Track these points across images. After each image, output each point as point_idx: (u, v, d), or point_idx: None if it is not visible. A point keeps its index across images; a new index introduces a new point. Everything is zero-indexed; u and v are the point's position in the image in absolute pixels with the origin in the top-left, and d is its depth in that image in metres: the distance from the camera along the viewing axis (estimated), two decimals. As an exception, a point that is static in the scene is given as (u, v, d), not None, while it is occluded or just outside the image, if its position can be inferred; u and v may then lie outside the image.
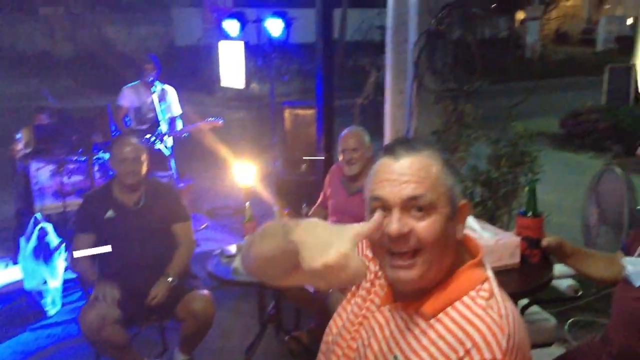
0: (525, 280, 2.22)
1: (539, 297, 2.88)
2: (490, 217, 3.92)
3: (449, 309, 1.11)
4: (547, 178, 4.08)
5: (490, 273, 1.17)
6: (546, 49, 23.81)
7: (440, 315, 1.11)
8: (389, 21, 4.43)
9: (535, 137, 4.10)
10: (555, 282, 2.62)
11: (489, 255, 1.25)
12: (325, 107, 4.59)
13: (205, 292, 2.91)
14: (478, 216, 3.94)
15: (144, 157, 2.94)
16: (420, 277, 1.12)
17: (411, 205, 1.11)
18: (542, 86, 14.66)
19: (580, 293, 2.98)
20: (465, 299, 1.11)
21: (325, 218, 3.25)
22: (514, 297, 2.22)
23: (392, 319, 1.20)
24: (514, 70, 16.74)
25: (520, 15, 23.32)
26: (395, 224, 1.10)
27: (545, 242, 2.11)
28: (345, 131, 3.38)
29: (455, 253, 1.16)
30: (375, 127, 4.97)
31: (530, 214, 2.19)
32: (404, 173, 1.13)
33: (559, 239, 2.10)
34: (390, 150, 1.17)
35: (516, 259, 2.22)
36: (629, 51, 11.08)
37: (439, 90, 4.26)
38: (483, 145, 4.25)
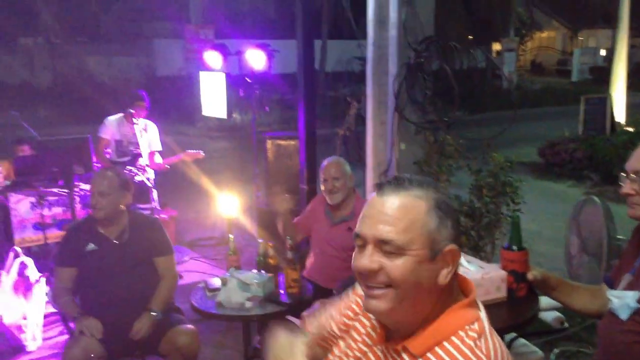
0: (512, 314, 2.23)
1: (525, 330, 2.89)
2: (473, 247, 3.96)
3: (437, 348, 1.12)
4: (528, 207, 4.14)
5: (482, 313, 1.17)
6: (523, 80, 24.36)
7: (429, 354, 1.12)
8: (369, 54, 4.51)
9: (515, 167, 4.17)
10: (541, 314, 2.64)
11: (476, 289, 1.26)
12: (307, 137, 4.63)
13: (190, 326, 2.87)
14: (461, 247, 3.99)
15: (117, 192, 2.88)
16: (389, 310, 1.13)
17: (383, 244, 1.13)
18: (519, 115, 14.97)
19: (565, 325, 3.00)
20: (454, 338, 1.12)
21: (294, 237, 3.27)
22: (502, 332, 2.24)
23: (383, 358, 1.22)
24: (492, 101, 17.09)
25: (496, 46, 23.88)
26: (365, 259, 1.14)
27: (530, 276, 2.13)
28: (326, 161, 3.42)
29: (442, 294, 1.15)
30: (357, 157, 5.01)
31: (515, 247, 2.21)
32: (382, 212, 1.14)
33: (544, 272, 2.13)
34: (379, 187, 1.18)
35: (503, 293, 2.23)
36: (604, 81, 11.39)
37: (419, 121, 4.32)
38: (465, 175, 4.31)
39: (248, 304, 2.74)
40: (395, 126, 4.35)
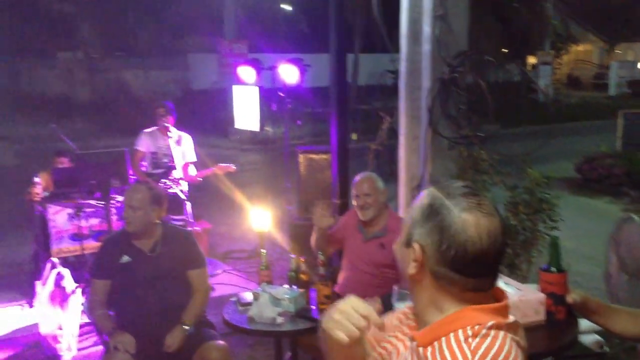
0: (551, 338, 2.17)
1: (564, 354, 2.81)
2: (509, 265, 3.88)
3: (435, 342, 1.19)
4: (565, 224, 4.04)
5: (501, 320, 1.18)
6: (559, 93, 23.96)
7: (429, 347, 1.19)
8: (402, 68, 4.49)
9: (552, 183, 4.09)
10: (580, 338, 2.56)
11: (513, 311, 1.24)
12: (339, 151, 4.62)
13: (222, 342, 2.88)
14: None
15: (148, 207, 2.91)
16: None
17: None
18: (555, 130, 14.72)
19: (605, 348, 2.91)
20: (451, 334, 1.17)
21: (326, 250, 3.24)
22: (540, 356, 2.18)
23: (408, 349, 1.29)
24: (528, 115, 16.85)
25: (532, 60, 23.57)
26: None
27: (570, 299, 2.08)
28: (358, 177, 3.40)
29: (429, 289, 1.21)
30: (389, 171, 4.98)
31: (554, 269, 2.15)
32: None
33: (583, 295, 2.07)
34: None
35: (541, 316, 2.17)
36: (643, 96, 11.12)
37: (453, 136, 4.28)
38: (499, 191, 4.24)
39: (279, 319, 2.73)
40: (428, 141, 4.31)
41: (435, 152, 4.34)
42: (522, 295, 2.16)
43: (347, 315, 1.20)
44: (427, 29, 4.27)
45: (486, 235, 1.15)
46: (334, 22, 4.42)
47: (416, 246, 1.20)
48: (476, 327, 1.15)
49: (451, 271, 1.17)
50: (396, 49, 4.60)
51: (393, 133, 4.90)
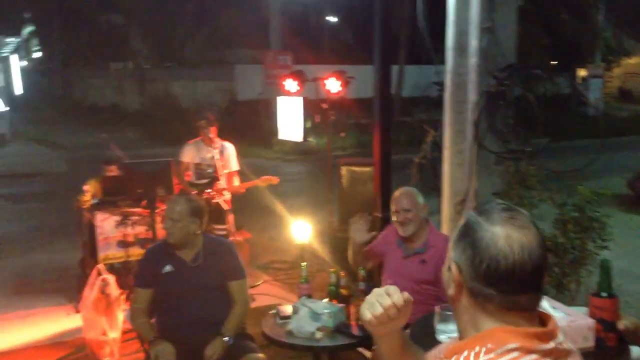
0: (601, 366, 2.08)
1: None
2: (556, 285, 3.76)
3: (457, 355, 1.16)
4: (616, 242, 3.90)
5: (535, 345, 1.12)
6: (609, 107, 23.25)
7: (452, 358, 1.17)
8: (448, 81, 4.43)
9: (603, 200, 3.94)
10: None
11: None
12: (382, 164, 4.59)
13: (261, 355, 2.87)
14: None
15: (187, 219, 2.93)
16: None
17: None
18: (606, 144, 14.26)
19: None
20: (472, 349, 1.14)
21: (365, 264, 3.20)
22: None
23: None
24: (577, 129, 16.39)
25: (581, 72, 22.95)
26: None
27: (621, 325, 1.99)
28: (397, 192, 3.34)
29: (468, 309, 1.19)
30: (432, 185, 4.91)
31: (604, 294, 2.06)
32: None
33: (636, 321, 1.97)
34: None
35: (590, 343, 2.08)
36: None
37: (499, 150, 4.19)
38: (547, 207, 4.12)
39: (318, 334, 2.70)
40: (473, 155, 4.22)
41: (480, 166, 4.25)
42: (570, 321, 2.07)
43: (377, 295, 1.27)
44: (473, 41, 4.20)
45: (518, 247, 1.11)
46: (379, 33, 4.41)
47: (453, 266, 1.19)
48: (489, 345, 1.12)
49: (485, 286, 1.14)
50: (442, 60, 4.54)
51: (437, 146, 4.82)
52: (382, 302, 1.26)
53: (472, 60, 4.23)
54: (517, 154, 4.17)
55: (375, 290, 1.30)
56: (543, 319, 1.20)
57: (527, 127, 4.30)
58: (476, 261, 1.13)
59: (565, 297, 3.75)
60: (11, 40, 18.07)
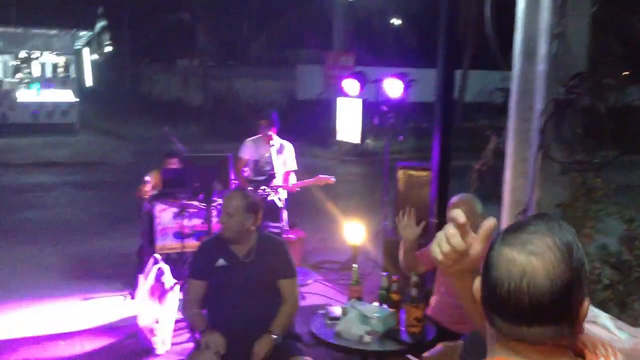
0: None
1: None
2: (619, 302, 3.58)
3: None
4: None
5: None
6: (686, 120, 22.04)
7: None
8: (514, 87, 4.30)
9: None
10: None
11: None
12: (440, 169, 4.50)
13: (309, 358, 2.86)
14: (605, 302, 3.61)
15: (243, 214, 2.95)
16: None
17: None
18: (680, 159, 13.53)
19: None
20: None
21: (417, 269, 3.11)
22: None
23: None
24: (649, 141, 15.61)
25: (656, 83, 21.89)
26: None
27: None
28: (455, 198, 3.26)
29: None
30: (493, 194, 4.78)
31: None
32: None
33: None
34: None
35: (656, 365, 1.96)
36: None
37: (566, 161, 4.03)
38: (613, 221, 3.93)
39: (367, 338, 2.67)
40: (537, 165, 4.08)
41: (544, 176, 4.10)
42: (635, 343, 1.96)
43: (444, 229, 1.26)
44: (543, 47, 4.06)
45: (518, 275, 1.00)
46: (444, 37, 4.32)
47: (476, 282, 1.13)
48: None
49: (490, 311, 1.06)
50: (508, 66, 4.41)
51: (499, 154, 4.69)
52: (447, 231, 1.25)
53: (541, 66, 4.08)
54: (584, 165, 4.00)
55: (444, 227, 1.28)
56: (581, 351, 1.08)
57: (595, 138, 4.12)
58: (483, 282, 1.07)
59: (628, 317, 3.56)
60: (84, 34, 18.81)
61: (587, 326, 2.16)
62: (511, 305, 1.01)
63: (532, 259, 1.00)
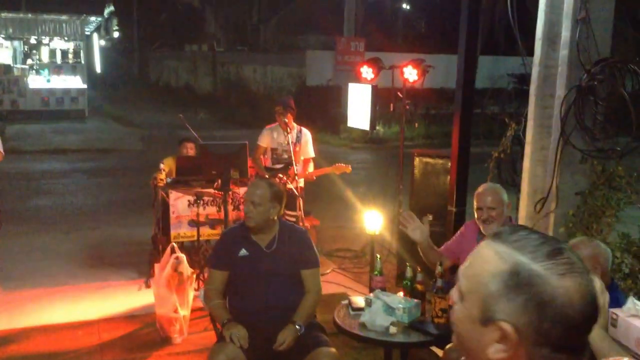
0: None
1: None
2: (642, 292, 3.53)
3: None
4: None
5: None
6: None
7: None
8: (534, 73, 4.22)
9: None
10: None
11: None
12: (460, 157, 4.44)
13: (333, 350, 2.82)
14: (625, 291, 3.56)
15: (268, 203, 2.92)
16: (457, 345, 1.08)
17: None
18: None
19: None
20: None
21: (434, 261, 3.07)
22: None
23: None
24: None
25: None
26: (454, 288, 1.07)
27: None
28: (481, 188, 3.20)
29: None
30: (511, 181, 4.72)
31: None
32: (470, 255, 1.07)
33: None
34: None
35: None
36: None
37: (586, 148, 3.96)
38: (636, 210, 3.87)
39: (392, 329, 2.64)
40: (558, 152, 4.01)
41: (564, 164, 4.04)
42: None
43: None
44: (565, 33, 3.98)
45: (590, 298, 0.94)
46: (466, 21, 4.23)
47: (507, 327, 0.95)
48: None
49: (553, 352, 0.94)
50: (528, 52, 4.33)
51: (518, 141, 4.62)
52: None
53: (563, 52, 4.01)
54: (606, 153, 3.93)
55: None
56: None
57: (617, 125, 4.05)
58: (546, 326, 0.93)
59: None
60: (94, 19, 18.71)
61: (631, 320, 2.11)
62: (586, 331, 0.97)
63: (587, 277, 0.97)
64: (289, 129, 5.16)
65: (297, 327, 2.81)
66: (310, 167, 5.45)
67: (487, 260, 0.98)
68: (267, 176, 4.81)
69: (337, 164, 5.43)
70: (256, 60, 21.49)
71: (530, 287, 0.93)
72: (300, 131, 5.36)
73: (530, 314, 0.93)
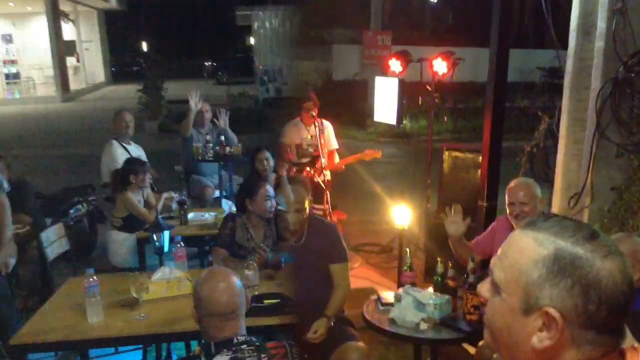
0: None
1: None
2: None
3: None
4: None
5: None
6: None
7: None
8: (569, 66, 4.12)
9: None
10: None
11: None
12: (492, 152, 4.37)
13: (362, 344, 2.81)
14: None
15: (308, 203, 2.94)
16: (490, 343, 1.08)
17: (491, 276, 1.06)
18: None
19: None
20: None
21: (465, 257, 3.02)
22: None
23: None
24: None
25: None
26: (482, 284, 1.08)
27: None
28: (513, 182, 3.14)
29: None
30: (543, 176, 4.64)
31: None
32: (504, 245, 1.06)
33: None
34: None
35: None
36: None
37: (622, 143, 3.86)
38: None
39: (423, 325, 2.60)
40: (593, 146, 3.92)
41: (600, 158, 3.94)
42: None
43: None
44: (601, 24, 3.87)
45: (630, 279, 0.95)
46: (498, 13, 4.16)
47: (553, 312, 0.94)
48: None
49: (600, 334, 0.94)
50: (562, 45, 4.23)
51: (551, 135, 4.54)
52: None
53: (599, 44, 3.90)
54: (644, 147, 3.82)
55: None
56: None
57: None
58: (592, 308, 0.92)
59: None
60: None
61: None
62: (626, 311, 0.97)
63: (624, 257, 0.98)
64: (316, 123, 5.15)
65: (329, 319, 2.79)
66: (336, 158, 5.44)
67: (526, 248, 0.98)
68: (294, 170, 4.81)
69: (367, 150, 5.41)
70: (282, 55, 21.45)
71: (575, 270, 0.93)
72: (321, 123, 5.35)
73: (576, 298, 0.93)
